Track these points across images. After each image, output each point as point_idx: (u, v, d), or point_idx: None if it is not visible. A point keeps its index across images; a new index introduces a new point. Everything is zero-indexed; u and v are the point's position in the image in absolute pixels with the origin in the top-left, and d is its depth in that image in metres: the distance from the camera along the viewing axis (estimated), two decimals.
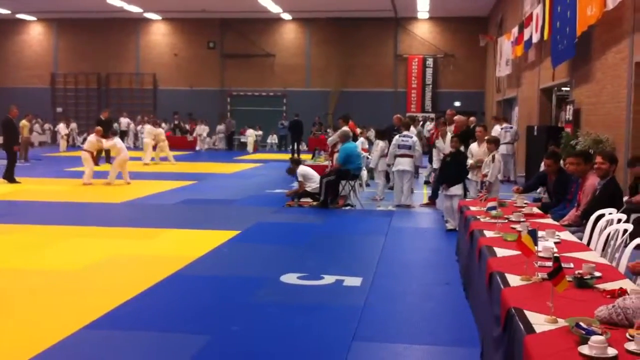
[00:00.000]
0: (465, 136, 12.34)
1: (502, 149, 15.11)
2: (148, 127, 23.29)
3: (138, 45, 34.89)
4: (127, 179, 16.56)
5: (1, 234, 10.05)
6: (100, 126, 18.03)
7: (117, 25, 34.07)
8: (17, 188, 15.60)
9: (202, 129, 32.26)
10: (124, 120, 32.50)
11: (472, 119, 18.87)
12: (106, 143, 17.09)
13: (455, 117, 14.01)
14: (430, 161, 15.70)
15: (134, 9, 30.79)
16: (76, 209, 12.90)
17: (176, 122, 32.80)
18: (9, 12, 32.42)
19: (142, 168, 20.71)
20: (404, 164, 13.19)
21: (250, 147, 31.47)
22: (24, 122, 23.64)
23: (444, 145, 12.84)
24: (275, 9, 30.12)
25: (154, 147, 22.66)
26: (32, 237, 9.82)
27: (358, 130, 18.22)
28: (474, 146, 11.33)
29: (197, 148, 31.58)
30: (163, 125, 30.12)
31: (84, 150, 16.81)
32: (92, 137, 17.06)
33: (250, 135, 31.93)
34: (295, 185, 13.52)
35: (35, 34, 35.52)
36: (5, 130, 17.31)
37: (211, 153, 30.30)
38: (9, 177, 16.42)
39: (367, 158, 15.83)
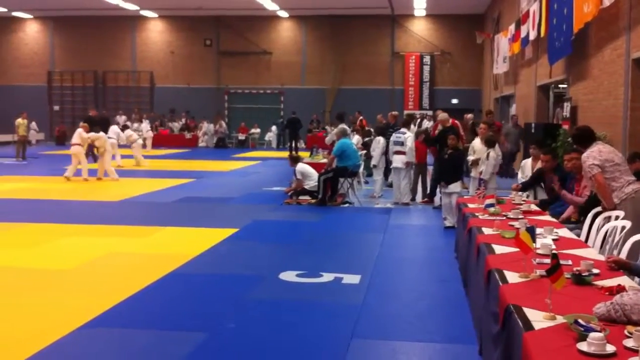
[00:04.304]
0: (443, 134, 12.55)
1: None
2: (114, 128, 21.32)
3: (134, 43, 34.81)
4: (111, 175, 16.88)
5: None
6: (89, 123, 18.14)
7: (114, 22, 33.97)
8: (14, 186, 15.59)
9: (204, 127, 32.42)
10: (121, 119, 32.42)
11: (469, 116, 18.92)
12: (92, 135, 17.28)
13: (440, 116, 14.03)
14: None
15: (130, 6, 30.70)
16: (73, 207, 12.88)
17: (183, 120, 32.76)
18: (5, 10, 32.32)
19: (134, 166, 20.62)
20: (396, 161, 13.17)
21: (274, 144, 32.85)
22: (19, 121, 23.56)
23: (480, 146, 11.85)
24: (271, 6, 30.06)
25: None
26: (28, 235, 9.82)
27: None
28: (476, 143, 11.32)
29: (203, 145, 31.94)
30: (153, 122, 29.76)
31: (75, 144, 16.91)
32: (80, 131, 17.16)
33: (272, 132, 33.01)
34: (294, 182, 13.52)
35: (32, 32, 35.41)
36: None
37: (209, 150, 30.28)
38: None
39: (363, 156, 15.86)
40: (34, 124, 31.60)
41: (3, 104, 30.97)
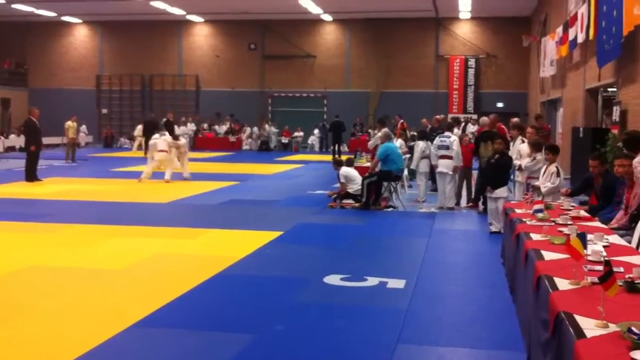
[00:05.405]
0: (483, 137, 12.82)
1: None
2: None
3: (181, 47, 35.32)
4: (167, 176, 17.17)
5: (47, 232, 10.30)
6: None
7: (160, 27, 34.55)
8: (64, 188, 15.94)
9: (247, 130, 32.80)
10: None
11: (515, 119, 18.67)
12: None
13: (481, 121, 13.97)
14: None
15: (177, 11, 31.19)
16: (121, 208, 13.11)
17: (228, 124, 33.21)
18: (55, 14, 33.12)
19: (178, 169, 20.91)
20: (442, 165, 13.04)
21: (317, 147, 32.97)
22: (69, 124, 24.12)
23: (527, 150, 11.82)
24: (315, 10, 30.19)
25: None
26: (78, 236, 10.04)
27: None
28: (523, 147, 11.17)
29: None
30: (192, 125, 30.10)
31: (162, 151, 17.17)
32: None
33: (315, 135, 33.28)
34: (337, 186, 13.54)
35: (81, 36, 36.23)
36: (26, 131, 17.74)
37: (253, 153, 30.52)
38: (30, 176, 16.88)
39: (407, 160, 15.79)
40: (83, 127, 32.32)
41: (53, 107, 31.66)
